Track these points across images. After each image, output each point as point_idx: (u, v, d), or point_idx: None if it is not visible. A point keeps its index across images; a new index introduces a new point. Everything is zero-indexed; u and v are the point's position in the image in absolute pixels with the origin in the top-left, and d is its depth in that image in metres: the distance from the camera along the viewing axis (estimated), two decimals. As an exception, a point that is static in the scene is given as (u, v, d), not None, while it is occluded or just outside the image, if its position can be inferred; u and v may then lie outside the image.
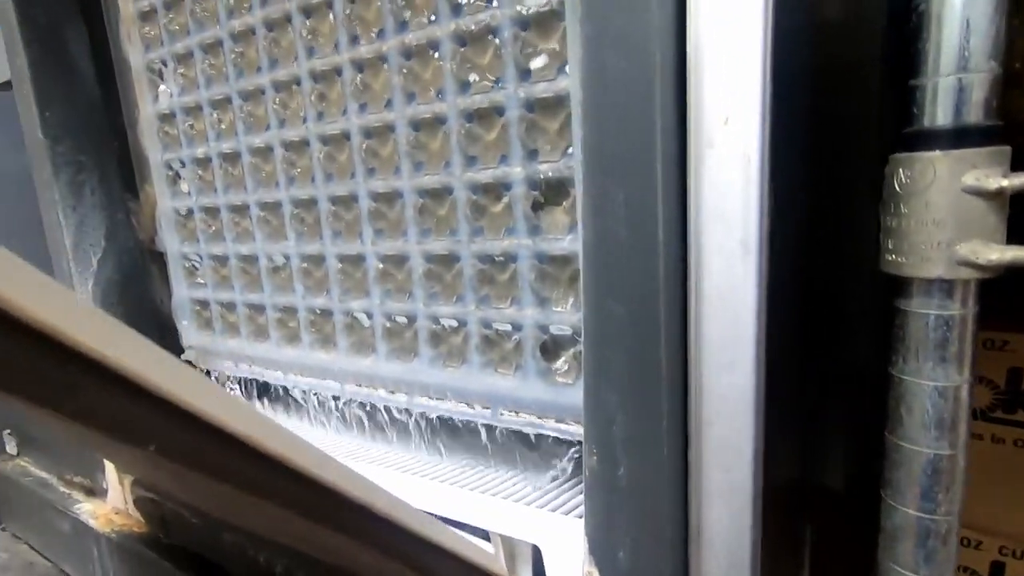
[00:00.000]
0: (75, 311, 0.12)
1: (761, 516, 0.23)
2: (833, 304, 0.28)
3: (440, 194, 0.42)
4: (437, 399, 0.46)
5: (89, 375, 0.12)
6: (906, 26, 0.26)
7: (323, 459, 0.17)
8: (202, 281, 0.61)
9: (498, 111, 0.38)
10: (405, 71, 0.41)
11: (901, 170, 0.26)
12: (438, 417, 0.47)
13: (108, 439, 0.14)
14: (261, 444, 0.15)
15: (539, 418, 0.41)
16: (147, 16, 0.56)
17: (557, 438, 0.41)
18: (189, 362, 0.65)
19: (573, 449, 0.40)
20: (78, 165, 0.58)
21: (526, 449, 0.44)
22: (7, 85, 0.60)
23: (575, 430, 0.39)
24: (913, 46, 0.25)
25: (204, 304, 0.62)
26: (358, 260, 0.48)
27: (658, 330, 0.24)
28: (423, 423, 0.49)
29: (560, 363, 0.39)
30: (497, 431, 0.44)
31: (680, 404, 0.24)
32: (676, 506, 0.25)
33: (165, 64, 0.56)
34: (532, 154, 0.37)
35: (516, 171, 0.38)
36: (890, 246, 0.26)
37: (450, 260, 0.43)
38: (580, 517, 0.38)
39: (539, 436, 0.42)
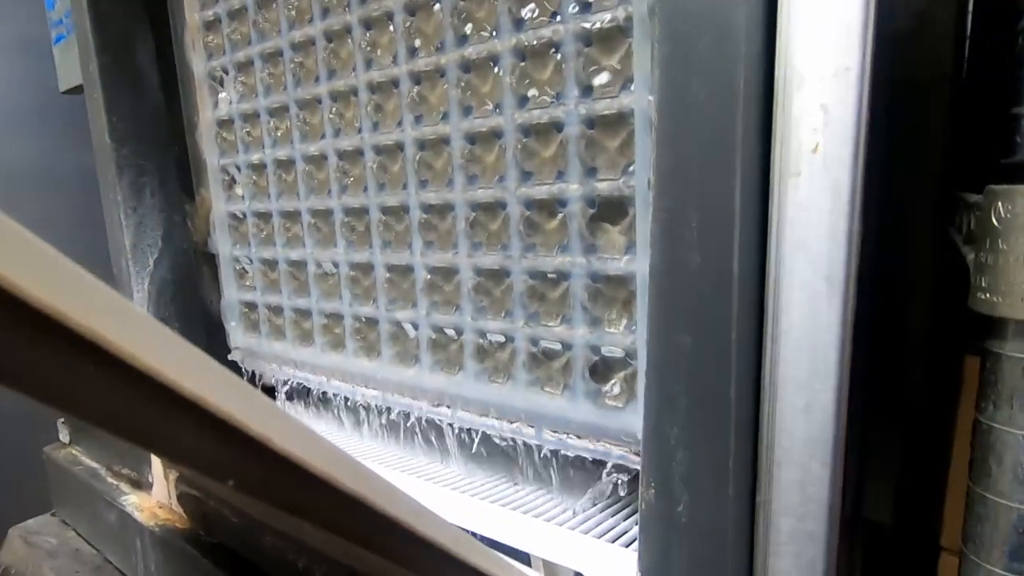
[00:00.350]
0: (171, 348, 0.11)
1: (835, 570, 0.22)
2: (915, 344, 0.26)
3: (493, 208, 0.41)
4: (480, 415, 0.45)
5: (187, 417, 0.12)
6: (1009, 50, 0.24)
7: (391, 492, 0.16)
8: (251, 284, 0.62)
9: (557, 127, 0.37)
10: (463, 84, 0.41)
11: (1000, 203, 0.24)
12: (477, 431, 0.46)
13: (190, 471, 0.14)
14: (339, 482, 0.14)
15: (585, 440, 0.40)
16: (211, 25, 0.58)
17: (596, 460, 0.40)
18: (252, 381, 0.66)
19: (614, 472, 0.39)
20: (140, 168, 0.60)
21: (564, 469, 0.43)
22: (79, 89, 0.62)
23: (623, 454, 0.38)
24: (1017, 71, 0.23)
25: (252, 306, 0.63)
26: (406, 270, 0.48)
27: (729, 365, 0.23)
28: (463, 436, 0.48)
29: (610, 386, 0.38)
30: (538, 450, 0.43)
31: (750, 444, 0.23)
32: (740, 551, 0.24)
33: (226, 72, 0.58)
34: (591, 171, 0.36)
35: (573, 188, 0.37)
36: (983, 284, 0.25)
37: (500, 275, 0.42)
38: (626, 546, 0.37)
39: (579, 457, 0.41)
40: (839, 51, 0.20)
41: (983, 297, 0.25)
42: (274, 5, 0.52)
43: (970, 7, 0.29)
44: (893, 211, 0.26)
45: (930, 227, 0.29)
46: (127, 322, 0.11)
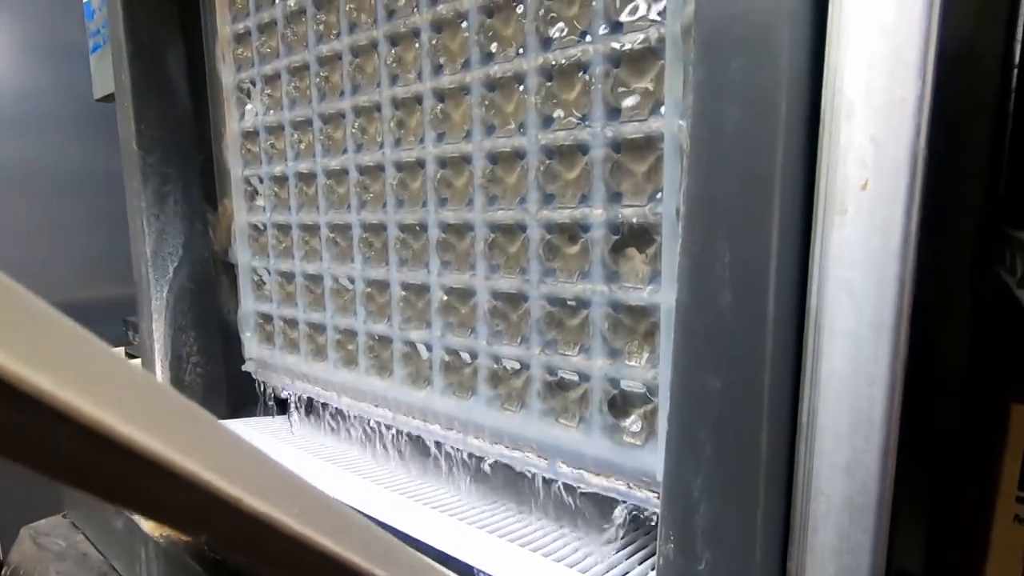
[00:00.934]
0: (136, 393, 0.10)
1: (876, 651, 0.19)
2: (964, 396, 0.24)
3: (513, 230, 0.40)
4: (491, 442, 0.44)
5: (165, 481, 0.11)
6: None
7: (383, 547, 0.15)
8: (268, 295, 0.62)
9: (582, 149, 0.36)
10: (487, 103, 0.40)
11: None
12: (487, 459, 0.45)
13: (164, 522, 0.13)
14: (320, 544, 0.13)
15: (599, 476, 0.38)
16: (241, 38, 0.58)
17: (613, 498, 0.38)
18: (264, 393, 0.65)
19: (631, 512, 0.37)
20: (165, 176, 0.60)
21: (576, 505, 0.41)
22: (112, 97, 0.63)
23: (641, 496, 0.36)
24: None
25: (268, 318, 0.62)
26: (422, 290, 0.47)
27: (761, 413, 0.21)
28: (471, 463, 0.47)
29: (629, 421, 0.36)
30: (551, 483, 0.41)
31: (782, 502, 0.21)
32: (768, 620, 0.22)
33: (253, 84, 0.58)
34: (615, 196, 0.35)
35: (596, 213, 0.35)
36: (1048, 338, 0.22)
37: (518, 299, 0.41)
38: (640, 595, 0.34)
39: (593, 494, 0.39)
40: (895, 80, 0.18)
41: (1047, 352, 0.22)
42: (303, 19, 0.52)
43: (1019, 34, 0.27)
44: (945, 252, 0.24)
45: (981, 268, 0.26)
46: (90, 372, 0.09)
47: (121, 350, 0.91)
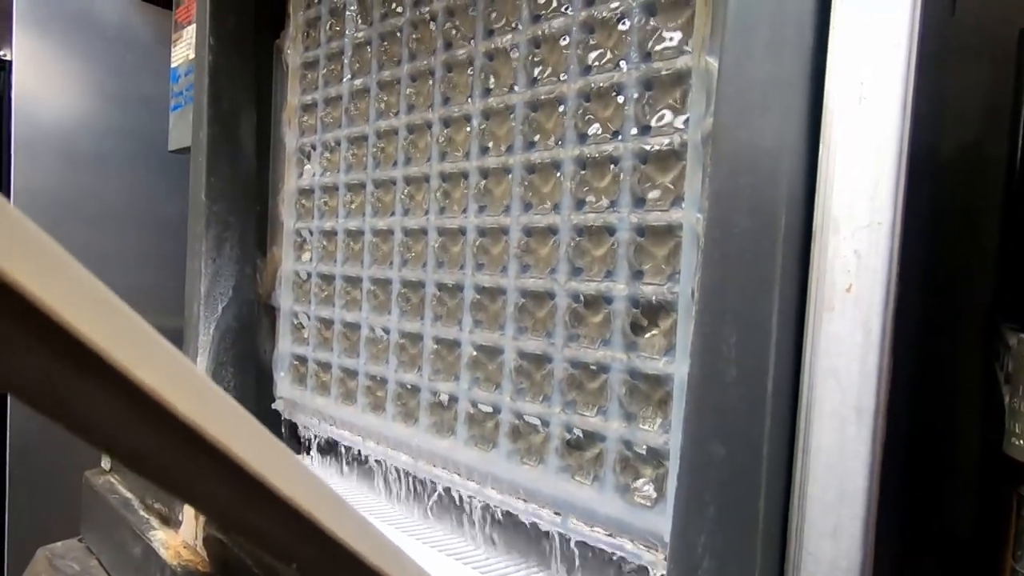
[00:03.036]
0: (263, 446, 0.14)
1: None
2: (956, 478, 0.27)
3: (542, 297, 0.44)
4: (508, 494, 0.46)
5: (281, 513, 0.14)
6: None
7: None
8: (305, 339, 0.66)
9: (609, 230, 0.40)
10: (526, 183, 0.45)
11: (1030, 354, 0.25)
12: (503, 511, 0.47)
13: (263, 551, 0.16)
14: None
15: (610, 535, 0.40)
16: (308, 108, 0.66)
17: (623, 557, 0.40)
18: (291, 431, 0.69)
19: (637, 571, 0.39)
20: (225, 224, 0.66)
21: (589, 560, 0.43)
22: (185, 150, 0.71)
23: (649, 557, 0.38)
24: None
25: (302, 360, 0.66)
26: (453, 345, 0.51)
27: (759, 479, 0.24)
28: (488, 514, 0.49)
29: (640, 483, 0.39)
30: (566, 540, 0.43)
31: (776, 560, 0.24)
32: (762, 673, 0.24)
33: (314, 148, 0.65)
34: (637, 274, 0.39)
35: (619, 287, 0.39)
36: (1017, 430, 0.25)
37: (542, 360, 0.44)
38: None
39: (602, 550, 0.41)
40: (873, 206, 0.22)
41: (1018, 443, 0.25)
42: (367, 97, 0.59)
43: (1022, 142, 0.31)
44: (932, 345, 0.27)
45: (973, 361, 0.29)
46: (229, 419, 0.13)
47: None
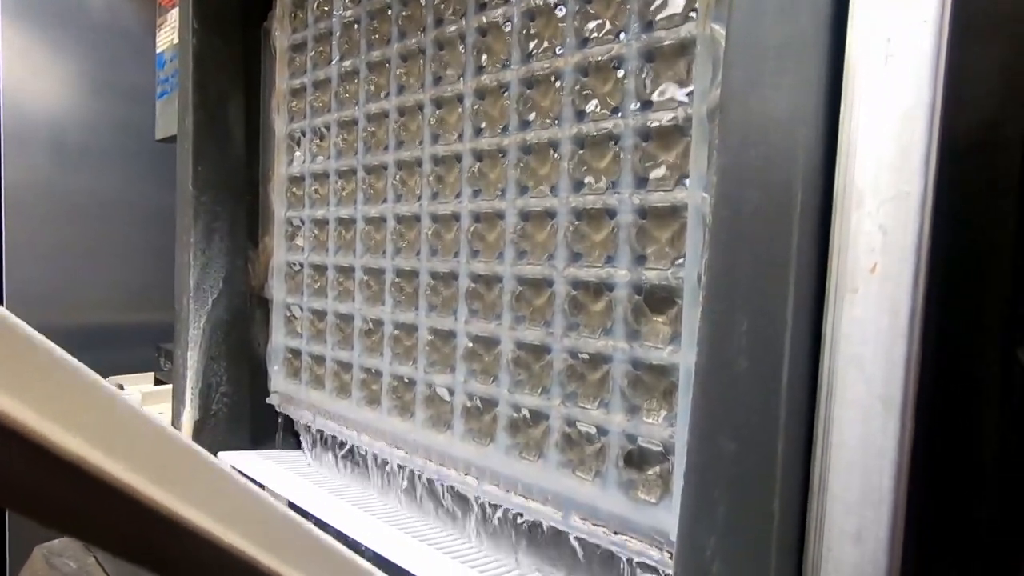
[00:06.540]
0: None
1: None
2: (989, 477, 0.25)
3: (540, 285, 0.42)
4: (507, 491, 0.44)
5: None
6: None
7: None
8: (299, 331, 0.64)
9: (609, 213, 0.38)
10: (522, 165, 0.43)
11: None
12: (502, 507, 0.45)
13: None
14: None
15: (613, 532, 0.38)
16: (297, 93, 0.63)
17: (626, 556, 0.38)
18: (286, 425, 0.67)
19: (643, 571, 0.37)
20: (214, 214, 0.64)
21: (592, 558, 0.41)
22: (172, 139, 0.68)
23: (653, 555, 0.36)
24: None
25: (296, 353, 0.65)
26: (449, 336, 0.49)
27: (774, 478, 0.22)
28: (486, 510, 0.47)
29: (644, 478, 0.37)
30: (567, 537, 0.42)
31: (793, 566, 0.22)
32: None
33: (304, 134, 0.63)
34: (640, 259, 0.37)
35: (621, 273, 0.37)
36: (1056, 421, 0.23)
37: (541, 351, 0.42)
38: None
39: (602, 547, 0.39)
40: (900, 175, 0.20)
41: (1055, 435, 0.23)
42: (356, 80, 0.56)
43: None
44: (961, 331, 0.25)
45: (1002, 350, 0.27)
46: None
47: (151, 375, 0.93)
